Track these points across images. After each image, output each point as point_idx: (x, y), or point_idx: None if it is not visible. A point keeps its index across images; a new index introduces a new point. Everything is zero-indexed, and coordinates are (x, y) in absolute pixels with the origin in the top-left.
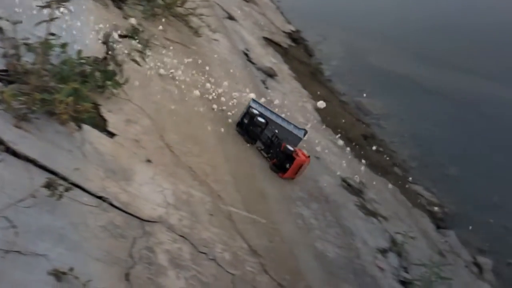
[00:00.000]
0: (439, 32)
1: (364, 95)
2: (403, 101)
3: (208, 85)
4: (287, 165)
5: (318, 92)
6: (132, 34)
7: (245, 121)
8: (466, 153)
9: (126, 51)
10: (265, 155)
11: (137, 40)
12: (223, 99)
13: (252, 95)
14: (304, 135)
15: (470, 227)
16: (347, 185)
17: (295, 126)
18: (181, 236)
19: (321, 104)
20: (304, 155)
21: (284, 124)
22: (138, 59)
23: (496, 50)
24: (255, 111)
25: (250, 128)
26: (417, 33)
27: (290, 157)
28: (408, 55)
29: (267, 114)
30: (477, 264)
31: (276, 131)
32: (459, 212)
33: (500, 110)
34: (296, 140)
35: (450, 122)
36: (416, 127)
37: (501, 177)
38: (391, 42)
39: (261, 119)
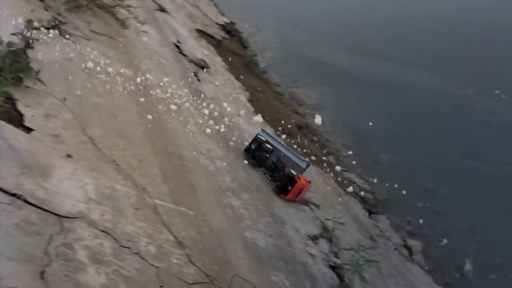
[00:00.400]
0: (372, 24)
1: (299, 85)
2: (337, 91)
3: (135, 77)
4: (289, 187)
5: (252, 83)
6: (52, 26)
7: (253, 146)
8: (398, 141)
9: (44, 44)
10: (269, 178)
11: (58, 32)
12: (152, 91)
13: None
14: (307, 166)
15: (401, 212)
16: None
17: (299, 157)
18: (102, 231)
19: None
20: (305, 180)
21: (289, 154)
22: (59, 51)
23: (428, 41)
24: (263, 138)
25: (257, 153)
26: (349, 25)
27: (292, 180)
28: (341, 46)
29: (274, 143)
30: (407, 247)
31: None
32: (390, 198)
33: (431, 98)
34: (299, 170)
35: (382, 110)
36: (349, 116)
37: (431, 164)
38: (325, 34)
39: (268, 145)
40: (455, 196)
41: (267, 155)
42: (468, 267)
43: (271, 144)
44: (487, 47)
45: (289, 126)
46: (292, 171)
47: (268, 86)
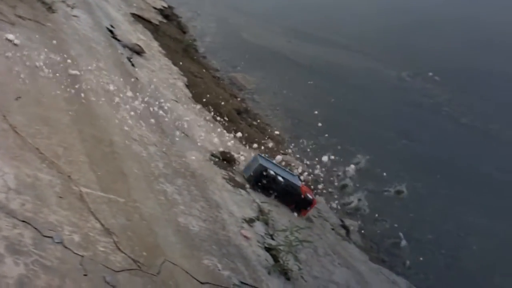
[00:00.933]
0: (310, 9)
1: (238, 70)
2: (276, 75)
3: (64, 63)
4: (308, 208)
5: (191, 68)
6: None
7: (263, 180)
8: (335, 122)
9: None
10: (281, 202)
11: None
12: (81, 77)
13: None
14: (301, 181)
15: (339, 193)
16: (217, 160)
17: (292, 175)
18: (22, 221)
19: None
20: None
21: (287, 176)
22: None
23: (365, 26)
24: (271, 172)
25: (264, 183)
26: (288, 10)
27: (309, 202)
28: (280, 31)
29: (274, 168)
30: (344, 227)
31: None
32: (328, 179)
33: (367, 81)
34: (296, 187)
35: (320, 94)
36: (288, 100)
37: (367, 144)
38: (264, 18)
39: (280, 179)
40: (390, 175)
41: (274, 182)
42: (403, 243)
43: (275, 172)
44: (421, 30)
45: (229, 111)
46: (309, 195)
47: (208, 71)
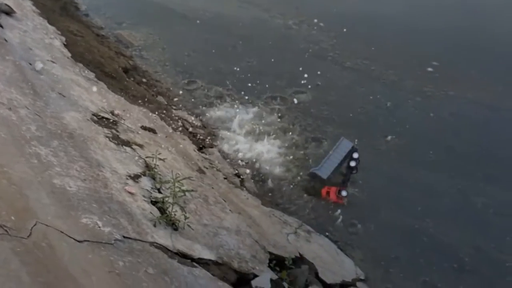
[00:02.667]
0: None
1: (124, 27)
2: (164, 30)
3: None
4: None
5: (70, 27)
6: None
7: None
8: (224, 74)
9: None
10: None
11: None
12: None
13: None
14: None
15: (229, 143)
16: (99, 119)
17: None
18: None
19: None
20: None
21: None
22: None
23: None
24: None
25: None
26: None
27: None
28: None
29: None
30: (238, 175)
31: None
32: (221, 132)
33: (255, 32)
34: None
35: (208, 46)
36: (177, 55)
37: (258, 92)
38: None
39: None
40: (283, 121)
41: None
42: (290, 187)
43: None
44: None
45: (114, 69)
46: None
47: (90, 30)
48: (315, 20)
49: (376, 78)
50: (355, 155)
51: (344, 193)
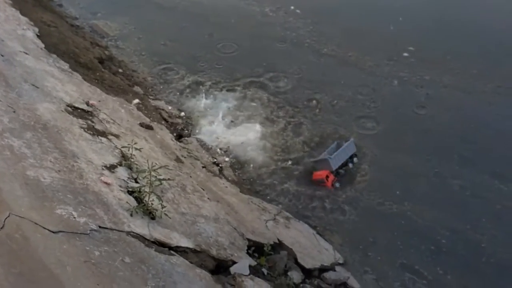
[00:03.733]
0: None
1: (99, 17)
2: (139, 19)
3: None
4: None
5: (43, 18)
6: None
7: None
8: (202, 63)
9: None
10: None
11: None
12: None
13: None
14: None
15: (208, 134)
16: (74, 110)
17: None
18: None
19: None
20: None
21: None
22: None
23: None
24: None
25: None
26: None
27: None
28: None
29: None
30: (216, 164)
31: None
32: (200, 121)
33: (231, 19)
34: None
35: (183, 34)
36: (153, 44)
37: (236, 79)
38: None
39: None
40: (259, 107)
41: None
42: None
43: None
44: None
45: (89, 59)
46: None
47: (64, 20)
48: (292, 7)
49: (353, 64)
50: (355, 160)
51: (337, 184)
